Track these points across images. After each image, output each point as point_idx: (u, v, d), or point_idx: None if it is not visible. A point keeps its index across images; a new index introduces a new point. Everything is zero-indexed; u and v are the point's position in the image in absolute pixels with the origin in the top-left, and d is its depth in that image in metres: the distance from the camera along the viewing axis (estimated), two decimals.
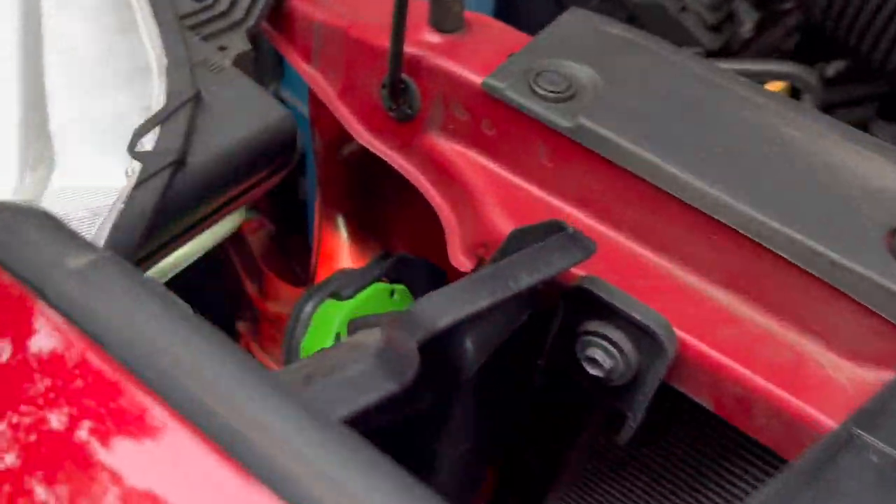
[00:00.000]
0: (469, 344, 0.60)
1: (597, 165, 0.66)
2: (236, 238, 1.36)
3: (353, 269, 0.98)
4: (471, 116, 0.72)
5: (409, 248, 1.01)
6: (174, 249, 0.73)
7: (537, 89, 0.68)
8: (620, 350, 0.62)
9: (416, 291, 0.98)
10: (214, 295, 1.87)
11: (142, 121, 0.69)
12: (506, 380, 0.70)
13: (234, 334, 1.53)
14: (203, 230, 0.75)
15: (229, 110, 0.74)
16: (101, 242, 0.63)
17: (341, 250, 1.04)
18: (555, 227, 0.60)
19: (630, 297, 0.61)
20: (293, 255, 1.40)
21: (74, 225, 0.63)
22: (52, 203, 0.65)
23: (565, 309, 0.64)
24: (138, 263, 0.69)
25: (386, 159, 0.80)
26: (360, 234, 1.03)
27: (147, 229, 0.66)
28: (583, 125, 0.66)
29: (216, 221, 0.78)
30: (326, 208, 1.02)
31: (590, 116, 0.66)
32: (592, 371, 0.63)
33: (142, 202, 0.65)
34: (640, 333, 0.61)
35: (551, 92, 0.68)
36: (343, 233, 1.03)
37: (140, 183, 0.65)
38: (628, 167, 0.64)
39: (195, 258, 0.87)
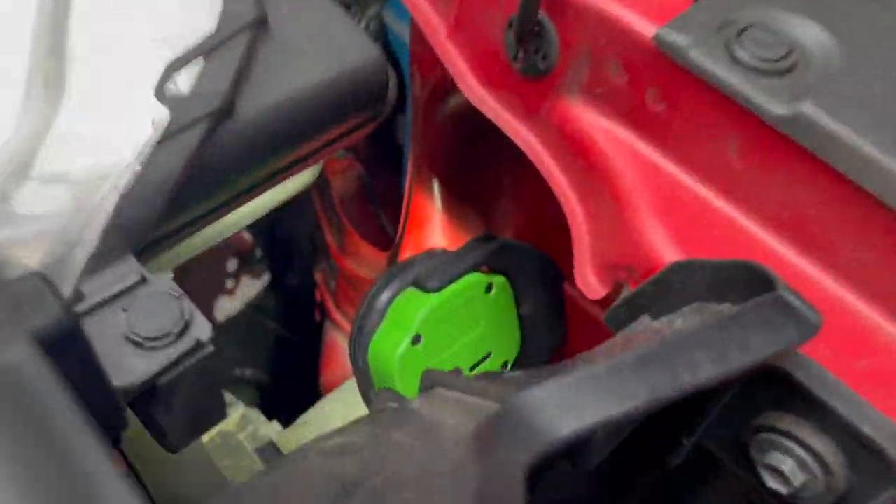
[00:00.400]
0: (597, 437, 0.40)
1: (818, 176, 0.44)
2: (320, 178, 1.20)
3: (444, 251, 0.79)
4: (630, 81, 0.51)
5: (516, 232, 0.81)
6: (214, 220, 0.56)
7: (738, 53, 0.46)
8: (824, 465, 0.41)
9: (520, 289, 0.78)
10: (297, 232, 1.72)
11: (181, 51, 0.51)
12: (636, 458, 0.51)
13: (310, 282, 1.38)
14: (255, 196, 0.58)
15: (301, 44, 0.55)
16: (104, 216, 0.46)
17: (433, 221, 0.86)
18: (753, 276, 0.39)
19: (852, 392, 0.40)
20: (383, 205, 1.22)
21: (73, 189, 0.46)
22: (53, 154, 0.48)
23: (743, 388, 0.43)
24: (162, 241, 0.52)
25: (499, 125, 0.60)
26: (458, 205, 0.84)
27: (171, 200, 0.48)
28: (804, 115, 0.44)
29: (276, 184, 0.60)
30: (421, 168, 0.83)
31: (817, 102, 0.44)
32: (773, 483, 0.43)
33: (167, 164, 0.48)
34: (861, 448, 0.40)
35: (760, 59, 0.46)
36: (437, 201, 0.84)
37: (167, 138, 0.48)
38: (871, 187, 0.42)
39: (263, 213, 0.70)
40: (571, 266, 0.79)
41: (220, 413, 0.49)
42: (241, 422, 0.86)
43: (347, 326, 1.24)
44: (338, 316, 1.24)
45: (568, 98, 0.55)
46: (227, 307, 1.74)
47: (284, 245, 1.75)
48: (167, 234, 0.51)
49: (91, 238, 0.46)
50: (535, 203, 0.77)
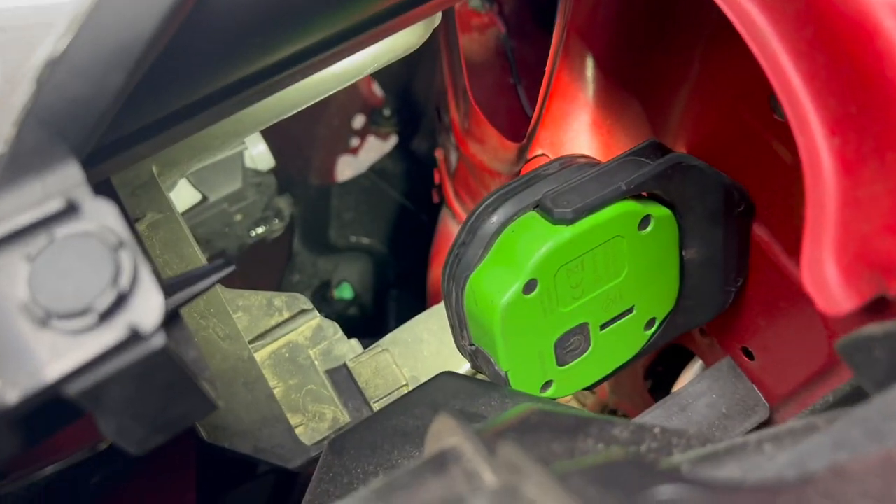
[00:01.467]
0: None
1: None
2: (449, 29, 0.97)
3: (589, 161, 0.57)
4: None
5: (692, 145, 0.58)
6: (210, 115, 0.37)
7: None
8: None
9: (689, 225, 0.56)
10: (429, 94, 1.52)
11: None
12: None
13: (431, 154, 1.19)
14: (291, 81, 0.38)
15: None
16: (24, 95, 0.28)
17: (579, 113, 0.63)
18: None
19: None
20: (526, 79, 0.99)
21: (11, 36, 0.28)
22: None
23: None
24: (124, 145, 0.33)
25: None
26: (617, 97, 0.60)
27: (139, 79, 0.29)
28: None
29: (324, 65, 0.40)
30: (570, 37, 0.59)
31: None
32: None
33: (133, 20, 0.28)
34: None
35: None
36: (588, 87, 0.61)
37: None
38: None
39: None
40: (766, 200, 0.56)
41: (198, 411, 0.32)
42: (315, 334, 0.70)
43: (464, 215, 1.05)
44: (455, 204, 1.05)
45: None
46: (348, 167, 1.60)
47: (414, 107, 1.56)
48: (133, 135, 0.33)
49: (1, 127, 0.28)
50: (728, 108, 0.53)
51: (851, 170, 0.31)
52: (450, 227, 1.10)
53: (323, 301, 1.48)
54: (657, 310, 0.59)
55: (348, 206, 1.58)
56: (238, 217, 1.11)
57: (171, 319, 0.38)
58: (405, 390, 0.68)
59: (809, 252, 0.31)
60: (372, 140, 1.60)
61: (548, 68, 0.63)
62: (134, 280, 0.26)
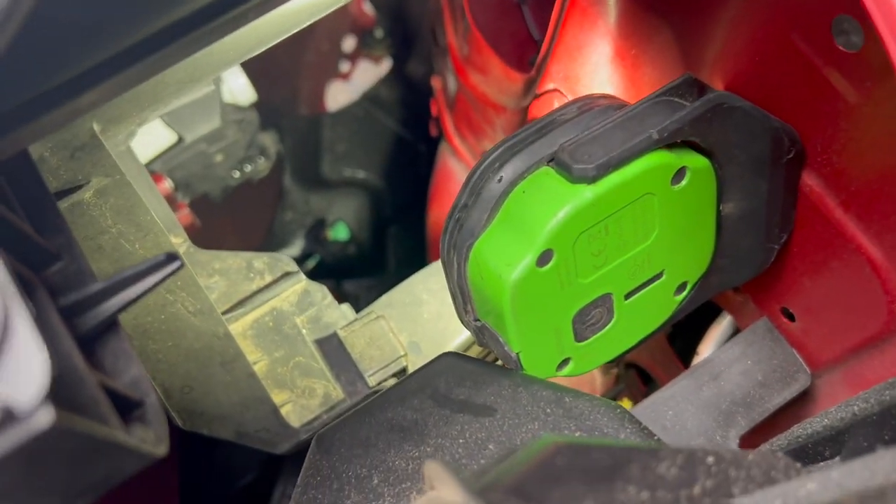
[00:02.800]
0: None
1: None
2: None
3: (613, 103, 0.48)
4: None
5: (734, 80, 0.49)
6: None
7: None
8: None
9: (729, 177, 0.48)
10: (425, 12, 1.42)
11: None
12: None
13: (429, 80, 1.09)
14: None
15: None
16: None
17: (599, 41, 0.54)
18: None
19: None
20: (532, 5, 0.89)
21: None
22: None
23: None
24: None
25: None
26: (643, 20, 0.51)
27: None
28: None
29: None
30: None
31: None
32: None
33: None
34: None
35: None
36: (610, 7, 0.52)
37: None
38: None
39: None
40: (820, 145, 0.48)
41: (126, 467, 0.25)
42: (301, 300, 0.63)
43: (465, 155, 0.96)
44: (455, 140, 0.96)
45: None
46: (340, 95, 1.50)
47: (409, 27, 1.45)
48: (43, 97, 0.25)
49: None
50: (778, 35, 0.44)
51: None
52: (449, 165, 1.01)
53: (317, 242, 1.41)
54: (690, 272, 0.52)
55: (341, 137, 1.48)
56: (219, 158, 1.02)
57: (108, 329, 0.31)
58: (403, 361, 0.62)
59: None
60: (364, 64, 1.50)
61: None
62: (3, 335, 0.19)
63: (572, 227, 0.43)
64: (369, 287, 1.47)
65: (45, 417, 0.19)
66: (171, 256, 0.31)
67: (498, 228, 0.45)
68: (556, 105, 0.60)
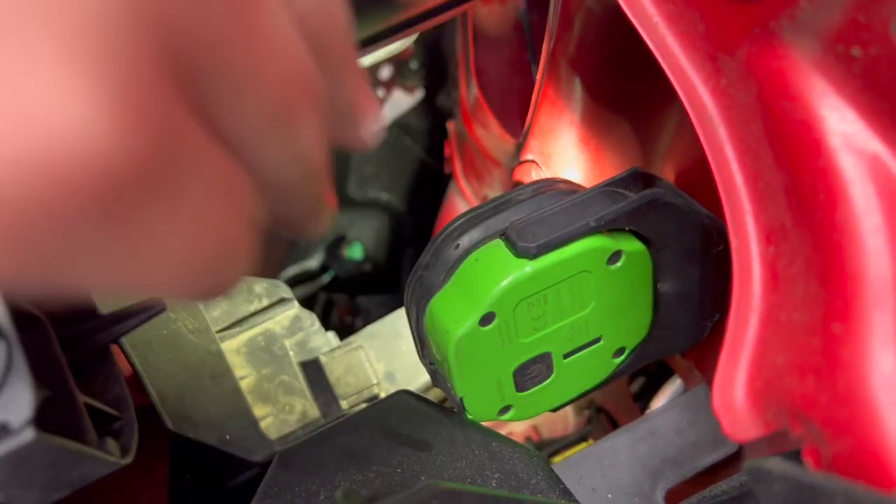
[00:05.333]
0: None
1: None
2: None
3: (568, 185, 0.55)
4: None
5: (680, 171, 0.55)
6: None
7: None
8: None
9: (665, 261, 0.54)
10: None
11: None
12: None
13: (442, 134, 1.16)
14: None
15: None
16: None
17: (566, 129, 0.61)
18: None
19: None
20: (539, 54, 0.96)
21: None
22: None
23: None
24: None
25: (657, 53, 0.34)
26: (604, 116, 0.58)
27: None
28: None
29: None
30: (558, 61, 0.57)
31: None
32: None
33: None
34: None
35: None
36: (576, 104, 0.58)
37: None
38: None
39: None
40: None
41: (96, 471, 0.32)
42: (292, 324, 0.71)
43: (470, 197, 1.03)
44: (462, 182, 1.03)
45: (790, 47, 0.28)
46: None
47: (442, 62, 1.53)
48: None
49: None
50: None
51: (779, 286, 0.29)
52: (455, 205, 1.08)
53: (334, 258, 1.49)
54: (627, 339, 0.58)
55: (369, 159, 1.57)
56: None
57: (102, 354, 0.38)
58: (376, 389, 0.69)
59: (724, 371, 0.30)
60: (397, 93, 1.58)
61: (537, 81, 0.61)
62: (6, 373, 0.26)
63: (513, 295, 0.50)
64: (381, 303, 1.55)
65: (29, 434, 0.26)
66: (158, 302, 0.38)
67: (451, 289, 0.52)
68: (533, 174, 0.67)
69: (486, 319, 0.50)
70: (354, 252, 1.45)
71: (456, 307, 0.51)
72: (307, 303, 1.50)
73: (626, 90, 0.54)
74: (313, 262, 1.53)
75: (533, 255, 0.49)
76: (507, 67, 0.93)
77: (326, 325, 1.54)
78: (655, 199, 0.51)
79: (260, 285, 0.72)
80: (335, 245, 1.51)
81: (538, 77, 0.60)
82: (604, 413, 0.94)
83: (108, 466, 0.32)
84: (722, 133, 0.31)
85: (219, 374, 0.63)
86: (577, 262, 0.51)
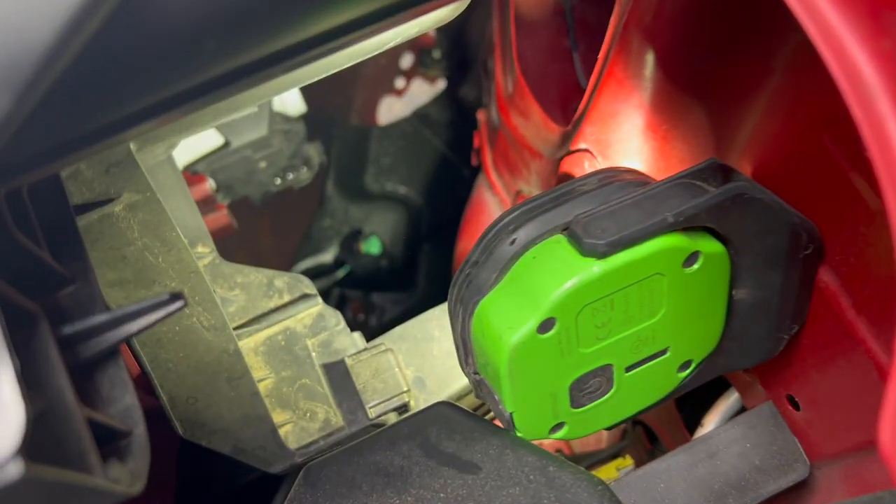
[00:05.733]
0: None
1: None
2: None
3: (637, 179, 0.49)
4: None
5: (760, 169, 0.49)
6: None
7: None
8: None
9: (744, 265, 0.48)
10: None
11: None
12: None
13: (479, 105, 1.10)
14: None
15: None
16: None
17: (632, 113, 0.54)
18: None
19: None
20: (580, 42, 0.89)
21: None
22: None
23: None
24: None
25: (800, 15, 0.27)
26: (677, 99, 0.52)
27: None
28: None
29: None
30: (629, 31, 0.50)
31: None
32: None
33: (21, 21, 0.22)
34: None
35: None
36: (645, 84, 0.52)
37: None
38: None
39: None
40: (838, 245, 0.47)
41: None
42: (315, 323, 0.65)
43: (501, 191, 0.97)
44: (492, 175, 0.97)
45: None
46: (392, 109, 1.52)
47: (466, 51, 1.47)
48: (66, 144, 0.26)
49: None
50: (808, 132, 0.44)
51: None
52: (484, 198, 1.02)
53: (350, 252, 1.43)
54: (695, 352, 0.52)
55: (387, 151, 1.50)
56: (262, 164, 1.05)
57: (108, 357, 0.32)
58: (406, 397, 0.63)
59: (891, 407, 0.24)
60: (419, 83, 1.52)
61: (600, 59, 0.55)
62: None
63: (577, 299, 0.44)
64: (396, 301, 1.49)
65: (16, 469, 0.20)
66: (175, 296, 0.32)
67: (504, 290, 0.46)
68: (587, 165, 0.60)
69: (546, 326, 0.44)
70: (372, 247, 1.39)
71: (510, 311, 0.45)
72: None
73: (707, 69, 0.48)
74: (328, 256, 1.47)
75: (602, 254, 0.43)
76: (546, 53, 0.87)
77: None
78: (741, 194, 0.45)
79: (281, 279, 0.66)
80: (351, 239, 1.45)
81: (601, 54, 0.54)
82: (640, 426, 0.87)
83: (114, 498, 0.26)
84: (883, 107, 0.25)
85: (236, 377, 0.57)
86: (651, 262, 0.44)
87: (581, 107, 0.60)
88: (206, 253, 0.64)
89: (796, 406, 0.56)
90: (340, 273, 1.41)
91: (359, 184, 1.48)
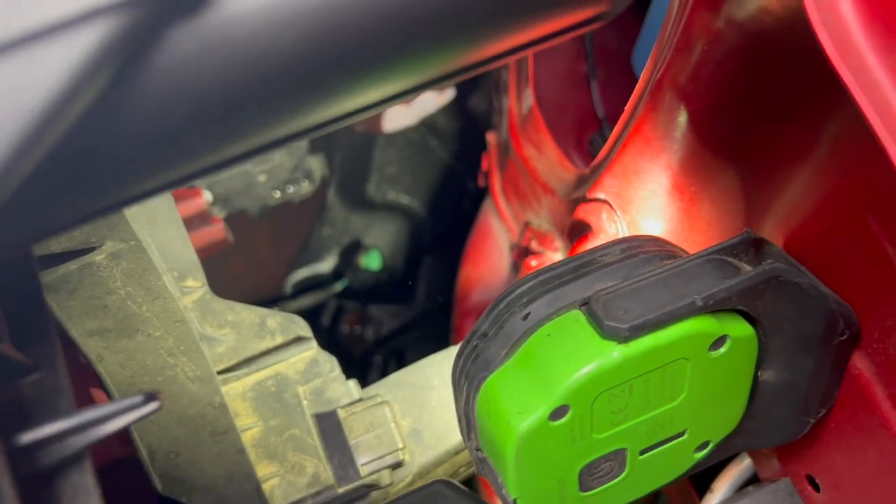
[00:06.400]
0: None
1: None
2: None
3: (660, 246, 0.45)
4: None
5: (795, 240, 0.45)
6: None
7: None
8: None
9: (774, 348, 0.44)
10: None
11: None
12: None
13: (490, 117, 1.06)
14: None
15: None
16: None
17: (658, 172, 0.50)
18: None
19: None
20: (599, 69, 0.86)
21: None
22: None
23: None
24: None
25: (856, 97, 0.24)
26: (709, 163, 0.48)
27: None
28: None
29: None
30: (662, 87, 0.47)
31: None
32: None
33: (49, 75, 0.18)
34: None
35: None
36: (675, 145, 0.48)
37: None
38: None
39: None
40: (876, 331, 0.44)
41: None
42: (308, 369, 0.61)
43: (508, 218, 0.93)
44: (500, 201, 0.93)
45: None
46: (398, 117, 1.48)
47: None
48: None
49: None
50: (852, 210, 0.41)
51: None
52: (490, 224, 0.99)
53: (348, 265, 1.39)
54: (714, 433, 0.48)
55: (392, 159, 1.47)
56: (262, 178, 1.01)
57: (72, 463, 0.29)
58: (401, 455, 0.59)
59: None
60: (427, 91, 1.47)
61: (626, 111, 0.51)
62: None
63: (594, 386, 0.40)
64: (394, 314, 1.45)
65: None
66: (150, 396, 0.29)
67: (515, 368, 0.42)
68: (604, 217, 0.57)
69: (558, 413, 0.40)
70: (372, 262, 1.36)
71: (520, 393, 0.41)
72: (315, 310, 1.40)
73: (744, 134, 0.44)
74: (326, 266, 1.43)
75: (624, 338, 0.40)
76: (563, 79, 0.83)
77: (334, 333, 1.45)
78: (775, 277, 0.41)
79: (274, 319, 0.62)
80: (351, 250, 1.42)
81: (628, 107, 0.50)
82: None
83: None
84: None
85: (220, 431, 0.54)
86: (676, 348, 0.41)
87: (602, 154, 0.57)
88: (196, 287, 0.61)
89: (816, 487, 0.53)
90: (338, 286, 1.38)
91: (361, 192, 1.45)
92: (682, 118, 0.46)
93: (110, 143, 0.21)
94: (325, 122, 0.27)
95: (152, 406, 0.29)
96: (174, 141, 0.22)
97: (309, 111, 0.25)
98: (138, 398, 0.28)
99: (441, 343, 0.73)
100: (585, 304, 0.41)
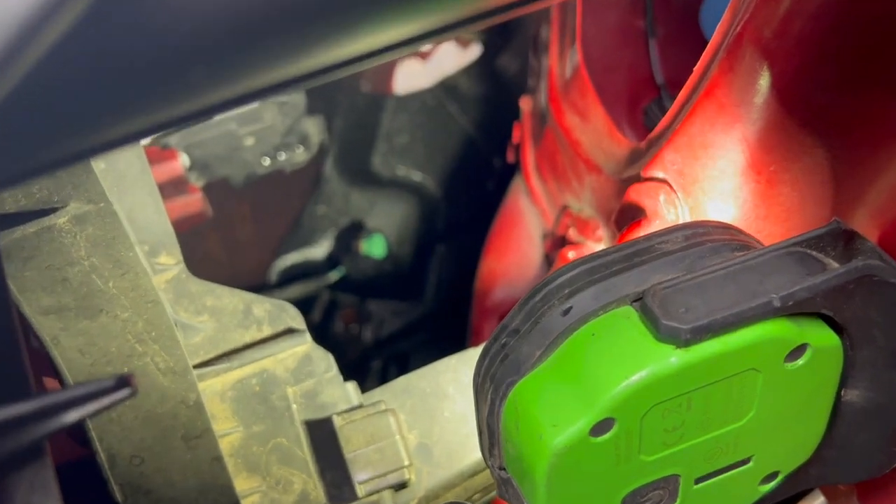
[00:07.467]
0: None
1: None
2: None
3: (732, 235, 0.45)
4: None
5: (888, 232, 0.45)
6: None
7: None
8: None
9: (861, 361, 0.44)
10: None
11: None
12: None
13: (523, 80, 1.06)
14: None
15: None
16: None
17: (731, 147, 0.50)
18: None
19: None
20: (659, 25, 0.86)
21: None
22: None
23: None
24: None
25: None
26: (793, 136, 0.48)
27: None
28: None
29: None
30: (743, 40, 0.46)
31: None
32: None
33: None
34: None
35: None
36: (754, 113, 0.48)
37: None
38: None
39: None
40: None
41: None
42: (300, 366, 0.61)
43: (542, 200, 0.93)
44: (533, 179, 0.94)
45: None
46: (412, 76, 1.48)
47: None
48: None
49: None
50: None
51: None
52: (520, 206, 0.99)
53: (346, 251, 1.40)
54: (785, 462, 0.48)
55: (402, 127, 1.46)
56: (249, 141, 1.02)
57: (30, 455, 0.29)
58: (406, 474, 0.60)
59: None
60: (448, 44, 1.47)
61: (695, 72, 0.51)
62: None
63: (646, 397, 0.40)
64: (398, 311, 1.46)
65: None
66: (123, 381, 0.29)
67: (551, 372, 0.42)
68: (662, 200, 0.57)
69: (601, 428, 0.41)
70: (374, 248, 1.36)
71: (557, 401, 0.41)
72: (304, 303, 1.41)
73: (839, 104, 0.44)
74: (319, 251, 1.44)
75: (685, 342, 0.40)
76: (616, 35, 0.83)
77: (326, 330, 1.46)
78: (869, 276, 0.41)
79: (261, 306, 0.63)
80: (349, 233, 1.42)
81: (700, 65, 0.50)
82: None
83: None
84: None
85: (194, 435, 0.54)
86: (746, 356, 0.41)
87: (663, 124, 0.57)
88: (170, 265, 0.61)
89: None
90: (333, 276, 1.38)
91: (364, 165, 1.45)
92: (765, 81, 0.45)
93: (86, 62, 0.21)
94: (322, 68, 0.27)
95: (124, 392, 0.29)
96: (156, 64, 0.22)
97: (302, 47, 0.25)
98: (108, 381, 0.29)
99: (452, 349, 0.73)
100: (639, 300, 0.42)
